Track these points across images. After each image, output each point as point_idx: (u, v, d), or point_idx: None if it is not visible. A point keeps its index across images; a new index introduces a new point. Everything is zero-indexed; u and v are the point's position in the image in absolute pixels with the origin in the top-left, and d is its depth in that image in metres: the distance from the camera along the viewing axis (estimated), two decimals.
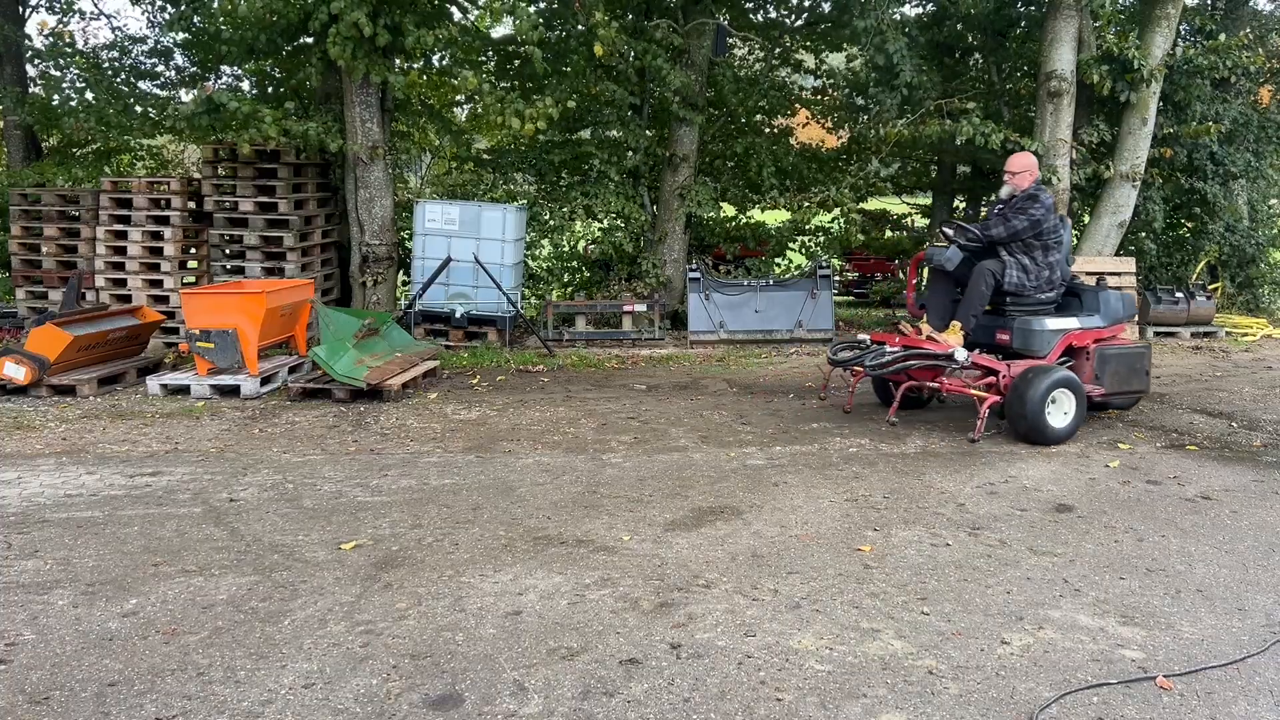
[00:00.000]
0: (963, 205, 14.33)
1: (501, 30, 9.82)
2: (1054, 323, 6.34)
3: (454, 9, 10.94)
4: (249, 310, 7.46)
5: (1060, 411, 6.01)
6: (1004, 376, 6.15)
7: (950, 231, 6.74)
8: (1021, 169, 6.58)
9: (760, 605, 3.60)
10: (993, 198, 7.19)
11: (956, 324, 6.40)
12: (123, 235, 9.51)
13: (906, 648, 3.27)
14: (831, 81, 13.76)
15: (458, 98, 11.25)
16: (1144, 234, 11.80)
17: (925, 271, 7.32)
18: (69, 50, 11.47)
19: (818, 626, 3.42)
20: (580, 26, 10.25)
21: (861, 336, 6.80)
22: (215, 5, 10.38)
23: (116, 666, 3.10)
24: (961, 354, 6.18)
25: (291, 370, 8.10)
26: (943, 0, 12.02)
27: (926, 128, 10.55)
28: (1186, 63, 11.21)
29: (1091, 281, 7.13)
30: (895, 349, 6.30)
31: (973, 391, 6.23)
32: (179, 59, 12.17)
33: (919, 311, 6.97)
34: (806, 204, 11.36)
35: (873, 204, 14.75)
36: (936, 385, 6.42)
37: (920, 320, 6.71)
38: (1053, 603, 3.66)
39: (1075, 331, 6.37)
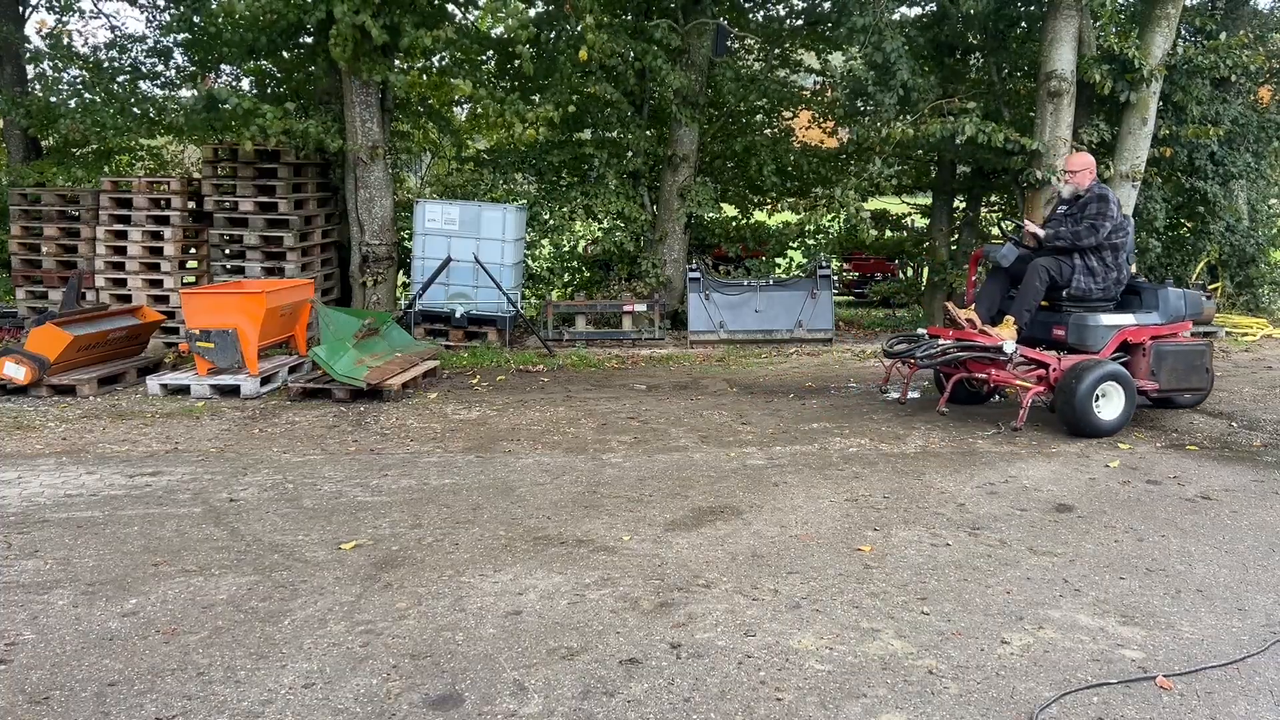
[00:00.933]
0: (963, 205, 14.32)
1: (501, 30, 9.80)
2: (1109, 319, 6.44)
3: (454, 9, 10.95)
4: (249, 310, 7.46)
5: (1110, 405, 6.17)
6: (1054, 370, 6.31)
7: (1031, 234, 6.82)
8: (1082, 167, 6.67)
9: (760, 605, 3.60)
10: (1054, 200, 7.19)
11: (1010, 318, 6.50)
12: (123, 235, 9.51)
13: (906, 647, 3.27)
14: (831, 80, 13.77)
15: (457, 98, 11.24)
16: (1145, 233, 11.79)
17: (981, 268, 7.53)
18: (67, 50, 11.47)
19: (818, 626, 3.42)
20: (574, 30, 10.26)
21: (920, 331, 7.00)
22: (214, 5, 10.38)
23: (116, 666, 3.10)
24: (1010, 346, 6.30)
25: (291, 370, 8.10)
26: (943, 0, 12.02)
27: (928, 126, 10.55)
28: (1186, 62, 11.21)
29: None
30: (947, 342, 6.48)
31: (1019, 383, 6.39)
32: (178, 58, 12.17)
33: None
34: (814, 207, 11.36)
35: (873, 204, 14.75)
36: (985, 377, 6.57)
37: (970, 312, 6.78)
38: (1053, 603, 3.66)
39: (1131, 328, 6.45)
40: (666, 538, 4.34)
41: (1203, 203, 12.03)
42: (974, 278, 7.38)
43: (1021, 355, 6.43)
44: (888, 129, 10.60)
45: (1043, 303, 6.61)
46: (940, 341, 6.50)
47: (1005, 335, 6.37)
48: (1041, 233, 6.68)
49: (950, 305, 6.87)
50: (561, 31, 11.55)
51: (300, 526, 4.48)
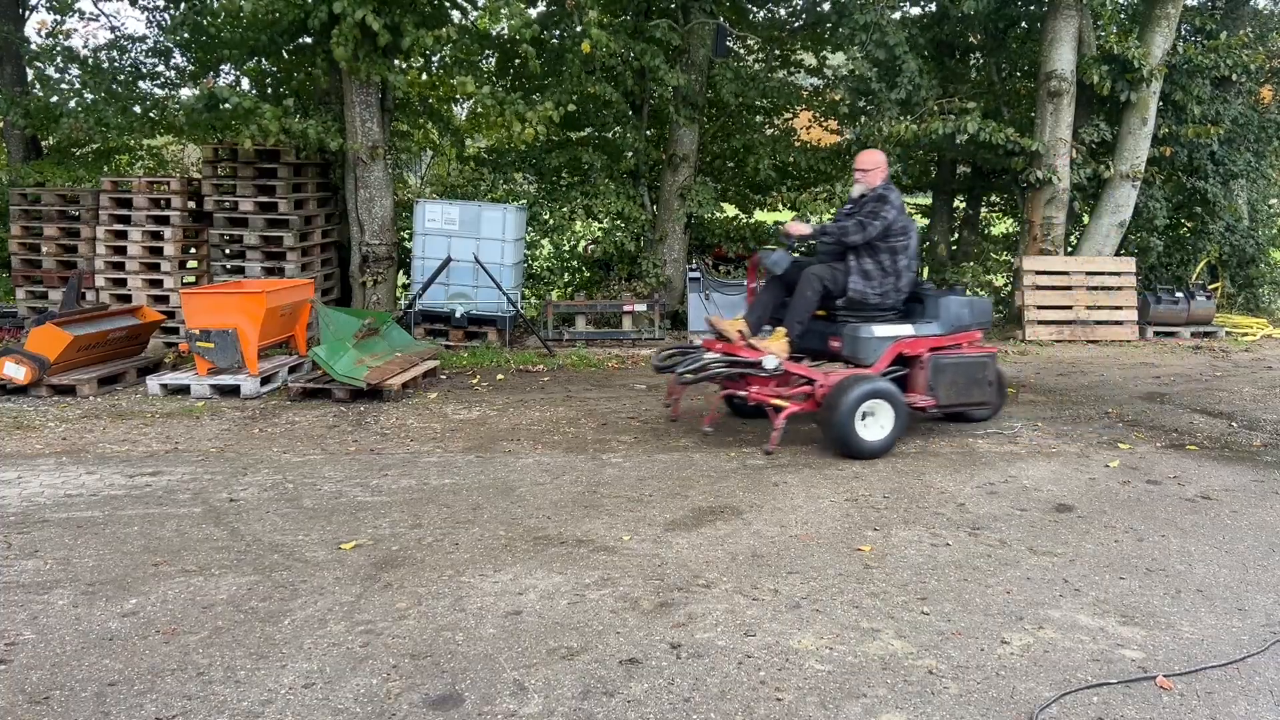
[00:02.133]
0: (963, 205, 14.33)
1: (501, 27, 9.81)
2: (883, 329, 5.97)
3: (453, 9, 10.94)
4: (249, 310, 7.45)
5: (876, 424, 5.66)
6: (820, 386, 5.81)
7: (796, 233, 6.27)
8: (873, 165, 6.17)
9: (760, 605, 3.60)
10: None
11: (781, 330, 5.99)
12: (123, 235, 9.51)
13: (906, 647, 3.27)
14: (829, 82, 13.76)
15: (457, 97, 11.24)
16: (1145, 233, 11.80)
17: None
18: (66, 50, 11.47)
19: (818, 626, 3.42)
20: (578, 28, 10.26)
21: (696, 342, 6.32)
22: (216, 4, 10.38)
23: (116, 666, 3.11)
24: (772, 361, 5.78)
25: (291, 370, 8.10)
26: None
27: (930, 124, 10.55)
28: (1187, 62, 11.21)
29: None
30: (711, 356, 5.94)
31: (775, 401, 5.79)
32: (179, 58, 12.17)
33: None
34: (811, 201, 11.34)
35: None
36: (745, 394, 5.96)
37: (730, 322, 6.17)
38: (1053, 602, 3.66)
39: (907, 339, 5.99)
40: (666, 538, 4.34)
41: (1203, 202, 12.04)
42: (753, 285, 6.72)
43: (786, 370, 5.89)
44: (889, 127, 10.60)
45: (820, 312, 6.13)
46: (706, 355, 5.96)
47: (774, 348, 5.86)
48: (806, 229, 6.20)
49: (715, 318, 6.30)
50: (565, 30, 11.56)
51: (300, 526, 4.48)
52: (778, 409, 5.76)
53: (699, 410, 6.83)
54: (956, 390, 6.07)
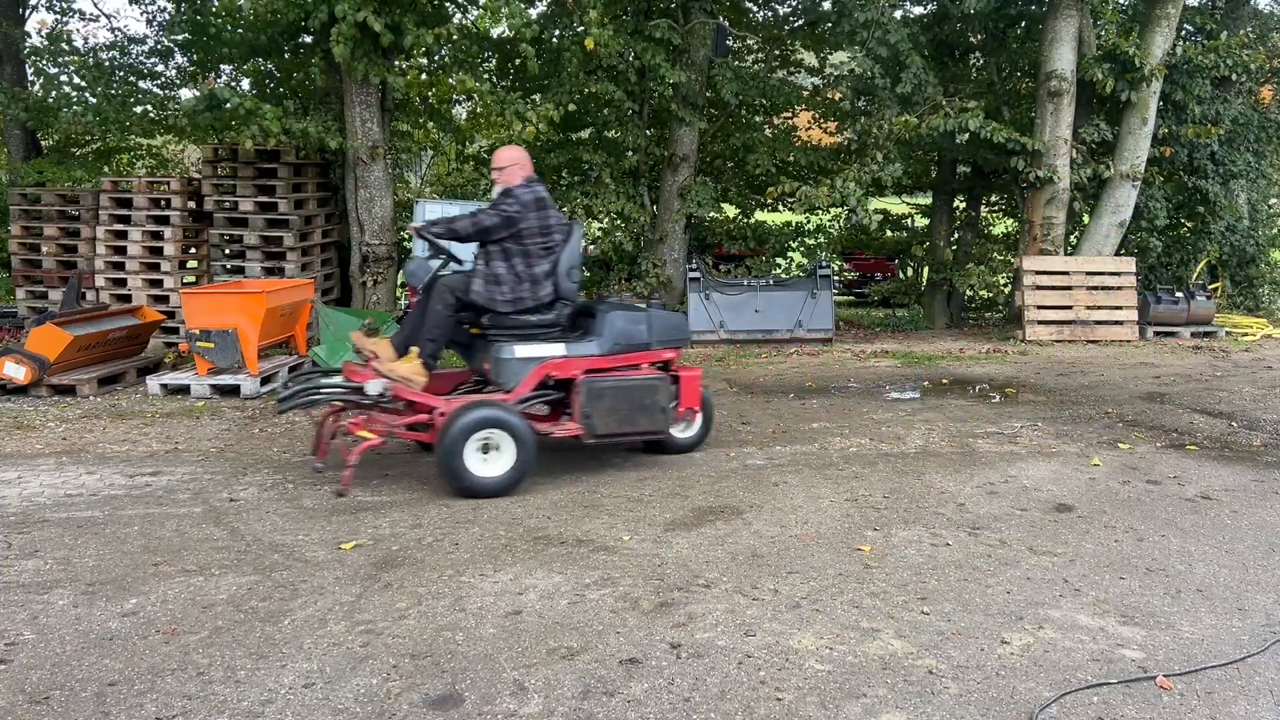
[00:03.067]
0: (963, 205, 14.34)
1: (501, 28, 9.82)
2: (525, 350, 5.26)
3: (452, 8, 10.95)
4: (249, 310, 7.45)
5: (500, 458, 4.94)
6: (438, 414, 5.07)
7: (411, 231, 5.63)
8: (509, 162, 5.46)
9: (760, 605, 3.60)
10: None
11: (414, 351, 5.28)
12: (123, 235, 9.51)
13: (906, 647, 3.27)
14: (832, 82, 13.76)
15: (458, 97, 11.23)
16: (1145, 232, 11.79)
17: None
18: (66, 49, 11.47)
19: (818, 626, 3.42)
20: (579, 28, 10.27)
21: (335, 367, 5.46)
22: (216, 4, 10.38)
23: (116, 666, 3.10)
24: (374, 387, 5.10)
25: (291, 370, 8.10)
26: None
27: (931, 121, 10.55)
28: (1187, 62, 11.21)
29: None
30: (328, 381, 5.42)
31: (360, 431, 5.03)
32: (179, 58, 12.17)
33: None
34: (815, 191, 11.31)
35: (873, 204, 14.76)
36: (348, 426, 5.17)
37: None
38: (1053, 602, 3.66)
39: (555, 360, 5.27)
40: (666, 537, 4.34)
41: (1203, 202, 12.04)
42: (415, 300, 5.72)
43: (398, 396, 5.16)
44: (889, 124, 10.60)
45: (476, 330, 5.50)
46: (320, 380, 5.44)
47: (405, 371, 5.18)
48: (420, 225, 5.50)
49: (358, 335, 5.61)
50: (565, 30, 11.57)
51: (300, 526, 4.48)
52: (358, 441, 4.99)
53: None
54: (617, 418, 5.30)
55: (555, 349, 5.32)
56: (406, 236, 10.90)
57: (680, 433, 5.81)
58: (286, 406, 5.27)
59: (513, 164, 5.45)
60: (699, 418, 5.88)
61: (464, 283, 5.31)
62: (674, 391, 5.55)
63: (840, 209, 11.41)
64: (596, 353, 5.36)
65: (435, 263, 5.41)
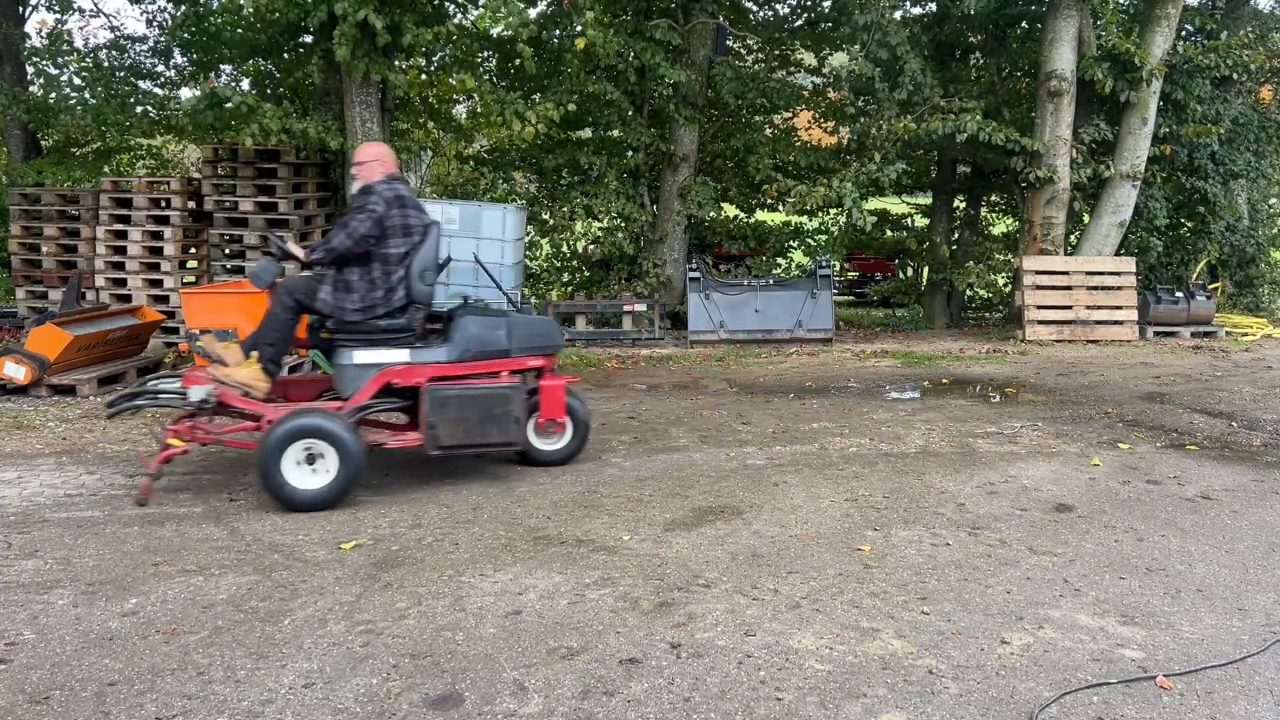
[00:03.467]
0: (963, 205, 14.34)
1: (500, 28, 9.83)
2: (365, 356, 5.00)
3: (452, 7, 10.95)
4: (249, 310, 7.43)
5: (323, 469, 4.70)
6: (265, 422, 4.86)
7: (284, 240, 5.35)
8: (371, 158, 5.19)
9: (760, 605, 3.60)
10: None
11: (254, 356, 5.03)
12: (123, 235, 9.51)
13: (906, 647, 3.27)
14: (832, 82, 13.76)
15: (457, 97, 11.23)
16: (1145, 232, 11.79)
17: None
18: (67, 49, 11.47)
19: (818, 626, 3.42)
20: (576, 28, 10.28)
21: (178, 373, 5.25)
22: (216, 3, 10.38)
23: (116, 666, 3.10)
24: (197, 393, 4.84)
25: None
26: None
27: (930, 123, 10.55)
28: (1187, 62, 11.21)
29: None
30: (164, 386, 5.16)
31: (170, 440, 4.82)
32: (179, 58, 12.17)
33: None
34: (807, 194, 11.32)
35: (873, 204, 14.77)
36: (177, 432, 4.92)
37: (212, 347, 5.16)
38: (1053, 602, 3.66)
39: (397, 367, 5.00)
40: (666, 537, 4.34)
41: (1203, 202, 12.04)
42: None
43: (224, 402, 4.92)
44: (888, 125, 10.61)
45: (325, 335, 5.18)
46: (153, 387, 5.17)
47: (242, 376, 4.93)
48: (299, 252, 5.06)
49: (209, 339, 5.27)
50: (563, 30, 11.57)
51: (300, 526, 4.48)
52: (167, 448, 4.80)
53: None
54: (465, 428, 5.02)
55: (397, 355, 5.04)
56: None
57: (545, 445, 5.53)
58: (113, 411, 5.12)
59: (374, 160, 5.18)
60: (568, 430, 5.58)
61: (307, 285, 5.05)
62: (533, 402, 5.31)
63: (838, 209, 11.39)
64: (445, 359, 5.09)
65: (276, 268, 5.12)
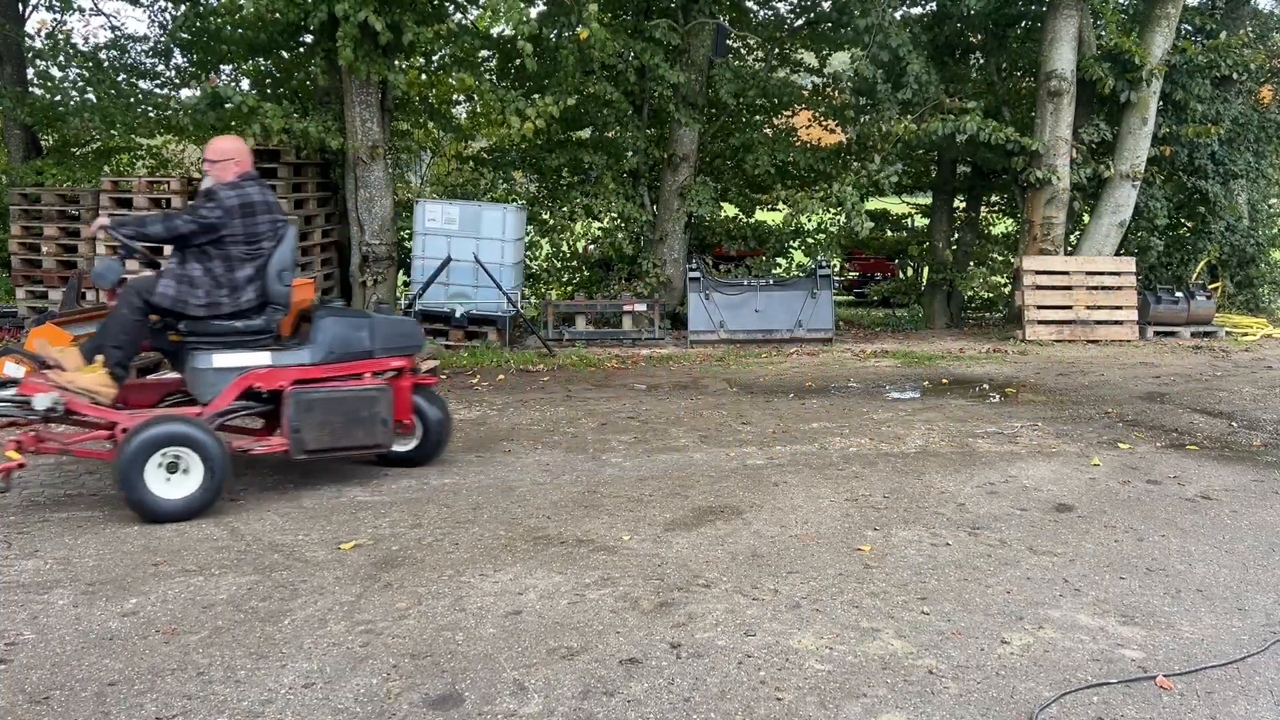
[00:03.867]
0: (963, 205, 14.34)
1: (500, 28, 9.84)
2: (224, 359, 4.80)
3: (452, 7, 10.95)
4: None
5: (187, 478, 4.52)
6: (120, 431, 4.58)
7: (95, 228, 5.13)
8: (224, 156, 4.93)
9: (760, 605, 3.60)
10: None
11: (100, 359, 4.79)
12: None
13: (906, 647, 3.27)
14: (834, 83, 13.76)
15: (458, 97, 11.23)
16: (1145, 232, 11.79)
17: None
18: (69, 49, 11.47)
19: (818, 626, 3.42)
20: (578, 26, 10.27)
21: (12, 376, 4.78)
22: (216, 3, 10.38)
23: (116, 666, 3.10)
24: (43, 401, 4.51)
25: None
26: None
27: (930, 124, 10.55)
28: (1187, 61, 11.21)
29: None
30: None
31: (8, 451, 4.55)
32: (179, 58, 12.17)
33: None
34: (808, 199, 11.33)
35: (873, 204, 14.77)
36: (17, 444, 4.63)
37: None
38: (1053, 602, 3.66)
39: (260, 370, 4.82)
40: (666, 537, 4.34)
41: (1203, 202, 12.03)
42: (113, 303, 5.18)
43: (71, 409, 4.63)
44: (888, 126, 10.61)
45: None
46: None
47: (86, 382, 4.68)
48: (107, 221, 5.00)
49: (42, 342, 5.07)
50: (563, 29, 11.56)
51: (300, 526, 4.48)
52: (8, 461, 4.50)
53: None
54: (330, 431, 4.89)
55: (259, 358, 4.86)
56: (405, 237, 10.90)
57: (398, 446, 5.36)
58: None
59: (228, 158, 4.92)
60: (417, 430, 5.44)
61: (151, 284, 4.83)
62: (393, 403, 5.15)
63: (838, 209, 11.40)
64: (308, 362, 4.92)
65: (120, 267, 4.92)
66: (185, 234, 4.79)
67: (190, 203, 4.96)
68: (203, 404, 4.77)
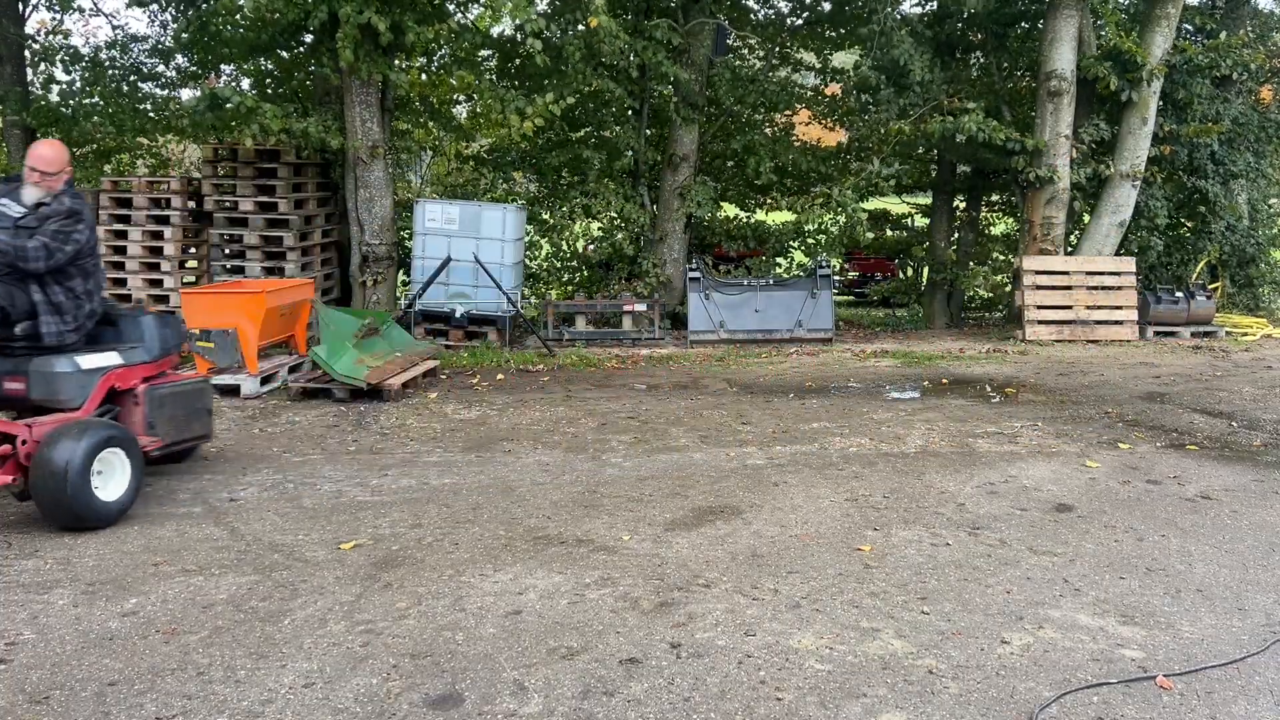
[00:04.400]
0: (963, 205, 14.34)
1: (501, 27, 9.86)
2: (89, 360, 4.68)
3: (452, 7, 10.95)
4: (249, 310, 7.45)
5: (115, 480, 4.49)
6: (27, 443, 4.35)
7: None
8: (57, 168, 4.72)
9: (760, 605, 3.60)
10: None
11: None
12: (123, 235, 9.52)
13: (906, 647, 3.27)
14: (836, 82, 13.76)
15: (458, 97, 11.22)
16: (1145, 232, 11.79)
17: None
18: (70, 50, 11.47)
19: (818, 626, 3.42)
20: (580, 25, 10.28)
21: None
22: (216, 3, 10.38)
23: (116, 666, 3.10)
24: None
25: (291, 370, 8.10)
26: None
27: (929, 125, 10.56)
28: (1187, 61, 11.21)
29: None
30: None
31: None
32: (179, 58, 12.17)
33: None
34: (809, 206, 11.36)
35: (873, 204, 14.77)
36: None
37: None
38: (1053, 602, 3.66)
39: (119, 370, 4.80)
40: (666, 537, 4.34)
41: (1203, 202, 12.03)
42: None
43: None
44: (886, 128, 10.63)
45: None
46: None
47: None
48: None
49: None
50: (569, 25, 11.56)
51: (300, 526, 4.48)
52: None
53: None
54: (177, 425, 5.02)
55: (114, 358, 4.81)
56: (405, 236, 10.89)
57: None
58: None
59: (63, 170, 4.75)
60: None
61: (4, 294, 4.53)
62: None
63: (838, 211, 11.41)
64: (147, 359, 4.98)
65: None
66: (62, 265, 4.64)
67: (19, 219, 4.66)
68: (73, 407, 4.63)
